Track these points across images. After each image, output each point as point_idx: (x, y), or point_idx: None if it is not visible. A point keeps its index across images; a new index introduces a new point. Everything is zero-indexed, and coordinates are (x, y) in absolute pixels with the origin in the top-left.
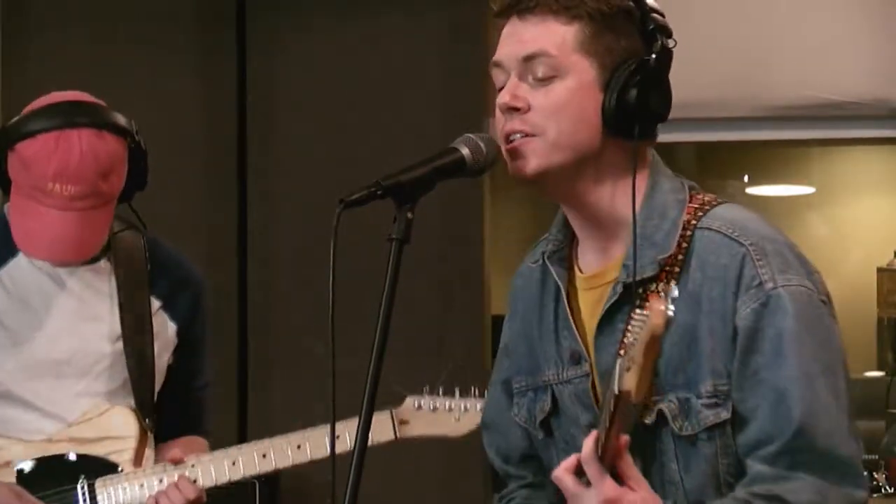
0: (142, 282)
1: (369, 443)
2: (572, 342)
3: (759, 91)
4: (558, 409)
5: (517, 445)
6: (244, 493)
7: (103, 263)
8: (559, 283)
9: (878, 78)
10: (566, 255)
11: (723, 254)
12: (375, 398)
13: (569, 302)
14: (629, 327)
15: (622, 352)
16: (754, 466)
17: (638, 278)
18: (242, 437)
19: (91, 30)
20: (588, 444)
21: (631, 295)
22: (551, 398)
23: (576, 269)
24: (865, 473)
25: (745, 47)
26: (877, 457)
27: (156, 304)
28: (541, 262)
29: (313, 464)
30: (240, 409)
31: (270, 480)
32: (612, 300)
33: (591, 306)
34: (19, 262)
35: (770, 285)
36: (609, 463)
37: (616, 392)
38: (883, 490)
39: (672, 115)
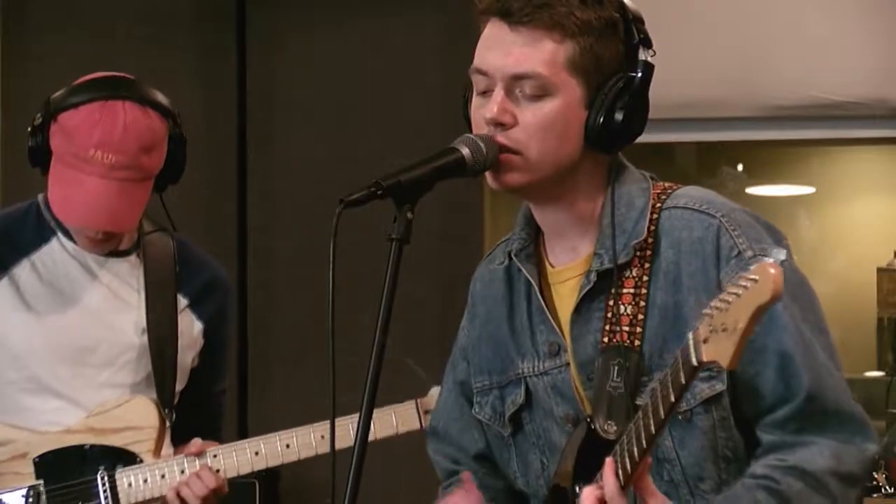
0: (169, 280)
1: (396, 431)
2: (550, 334)
3: (759, 91)
4: (531, 403)
5: (470, 448)
6: (244, 493)
7: (133, 258)
8: (531, 278)
9: (878, 78)
10: (533, 251)
11: (695, 227)
12: (375, 398)
13: (543, 295)
14: (720, 297)
15: (701, 322)
16: (764, 436)
17: (612, 265)
18: (243, 437)
19: (91, 30)
20: (609, 479)
21: (603, 284)
22: (525, 392)
23: (546, 264)
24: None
25: (744, 47)
26: (877, 457)
27: (183, 302)
28: (506, 262)
29: (315, 463)
30: (240, 409)
31: (271, 480)
32: (587, 289)
33: (564, 299)
34: (52, 248)
35: (749, 254)
36: (632, 481)
37: (695, 363)
38: (883, 490)
39: (672, 115)
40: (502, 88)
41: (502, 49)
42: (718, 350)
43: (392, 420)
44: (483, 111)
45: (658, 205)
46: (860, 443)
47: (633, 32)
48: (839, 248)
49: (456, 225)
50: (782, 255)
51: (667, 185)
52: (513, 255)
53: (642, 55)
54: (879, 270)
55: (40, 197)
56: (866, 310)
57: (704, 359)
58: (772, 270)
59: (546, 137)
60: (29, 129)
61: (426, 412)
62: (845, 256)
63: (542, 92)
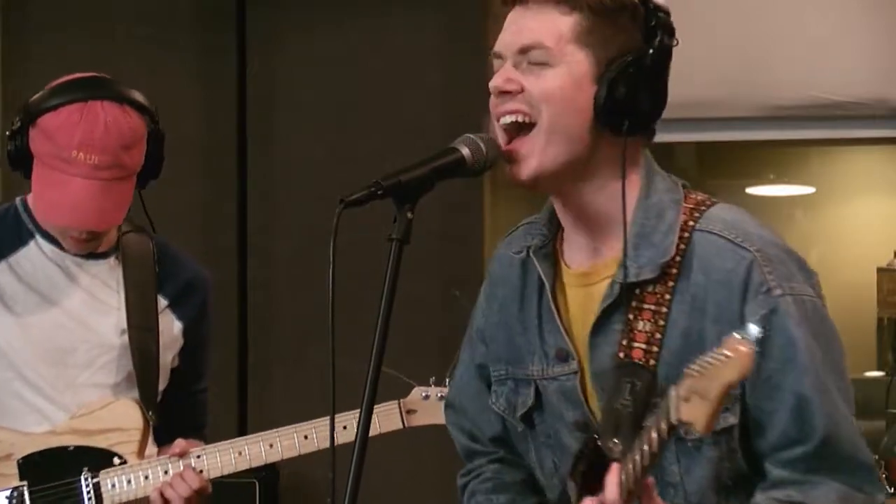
0: (149, 281)
1: (378, 431)
2: (559, 339)
3: (759, 91)
4: (541, 404)
5: (486, 429)
6: (244, 493)
7: (112, 260)
8: (545, 279)
9: (878, 78)
10: (552, 250)
11: (727, 258)
12: (375, 398)
13: (554, 297)
14: (701, 360)
15: (684, 380)
16: (774, 470)
17: (637, 279)
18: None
19: (91, 30)
20: (612, 487)
21: (627, 295)
22: (535, 393)
23: (562, 263)
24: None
25: (745, 47)
26: (877, 457)
27: (163, 302)
28: (524, 254)
29: (314, 462)
30: (240, 409)
31: (270, 479)
32: (610, 300)
33: (581, 304)
34: (30, 251)
35: (778, 292)
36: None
37: (673, 421)
38: None
39: (672, 115)
40: (511, 63)
41: (513, 27)
42: (695, 413)
43: (374, 421)
44: (491, 85)
45: (691, 223)
46: (869, 490)
47: (651, 18)
48: (839, 248)
49: (456, 225)
50: (756, 331)
51: (699, 198)
52: (531, 252)
53: (661, 39)
54: (879, 270)
55: (18, 200)
56: (866, 310)
57: (683, 418)
58: (742, 349)
59: (552, 103)
60: (7, 133)
61: (409, 412)
62: (845, 256)
63: (546, 61)
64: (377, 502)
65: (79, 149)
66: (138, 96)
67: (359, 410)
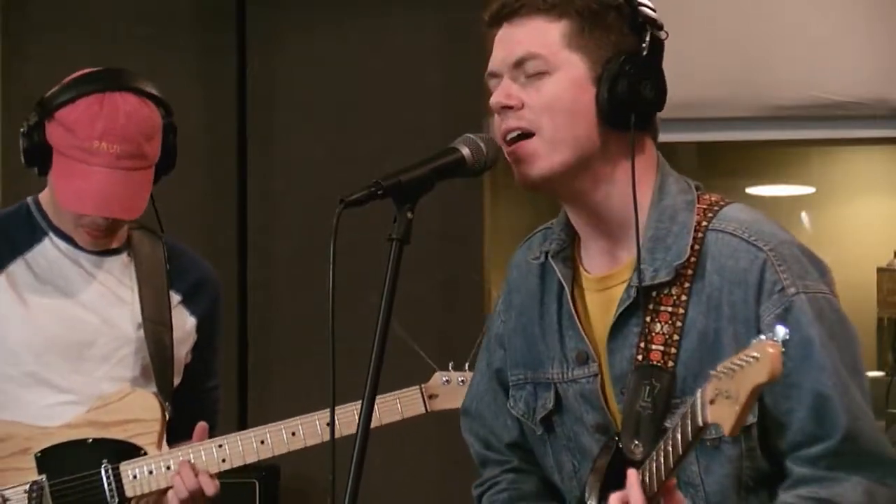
0: (161, 277)
1: (402, 416)
2: (579, 342)
3: (759, 91)
4: (561, 407)
5: (503, 434)
6: (244, 493)
7: (125, 257)
8: (564, 283)
9: (878, 78)
10: (570, 254)
11: (741, 258)
12: (375, 398)
13: (574, 302)
14: (728, 362)
15: (709, 382)
16: (795, 468)
17: (653, 282)
18: None
19: (91, 30)
20: (634, 490)
21: (643, 298)
22: (554, 396)
23: (581, 269)
24: None
25: (745, 47)
26: None
27: (175, 298)
28: (542, 259)
29: (314, 462)
30: (240, 408)
31: (270, 479)
32: (627, 304)
33: (600, 308)
34: (45, 247)
35: (792, 290)
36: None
37: (700, 424)
38: None
39: (672, 115)
40: (508, 78)
41: (503, 44)
42: (722, 414)
43: (397, 406)
44: (491, 102)
45: (704, 223)
46: (892, 483)
47: (637, 15)
48: (839, 248)
49: (456, 225)
50: (783, 332)
51: (713, 198)
52: (549, 256)
53: (650, 33)
54: (879, 270)
55: (30, 199)
56: (866, 310)
57: (710, 420)
58: (771, 350)
59: (554, 113)
60: (22, 129)
61: (430, 397)
62: (845, 256)
63: (543, 70)
64: (377, 502)
65: (101, 138)
66: (154, 89)
67: (382, 399)
